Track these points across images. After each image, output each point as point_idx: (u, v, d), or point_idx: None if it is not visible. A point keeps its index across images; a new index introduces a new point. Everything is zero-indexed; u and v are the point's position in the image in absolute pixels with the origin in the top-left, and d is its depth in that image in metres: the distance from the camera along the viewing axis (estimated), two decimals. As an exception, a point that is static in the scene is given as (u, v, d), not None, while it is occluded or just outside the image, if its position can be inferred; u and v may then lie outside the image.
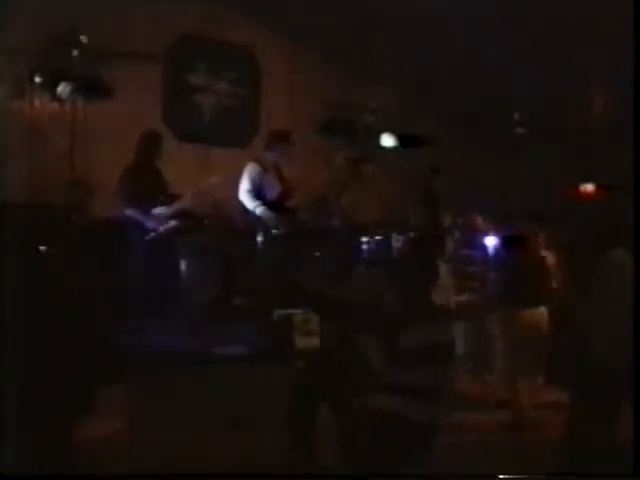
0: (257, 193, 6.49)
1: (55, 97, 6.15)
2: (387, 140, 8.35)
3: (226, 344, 5.48)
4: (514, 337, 5.55)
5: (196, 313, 6.03)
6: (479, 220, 6.84)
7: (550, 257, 5.92)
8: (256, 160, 6.63)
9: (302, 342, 5.48)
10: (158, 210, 6.15)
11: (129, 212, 6.12)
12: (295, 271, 6.78)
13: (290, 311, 5.57)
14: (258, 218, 6.47)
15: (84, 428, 4.50)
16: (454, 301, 6.31)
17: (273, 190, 6.58)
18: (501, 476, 4.07)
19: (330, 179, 7.52)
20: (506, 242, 5.98)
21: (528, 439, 5.31)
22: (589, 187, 9.35)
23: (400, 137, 8.31)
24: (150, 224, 6.12)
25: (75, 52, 5.99)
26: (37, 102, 6.25)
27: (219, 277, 6.37)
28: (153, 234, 6.09)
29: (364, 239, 7.30)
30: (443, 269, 6.08)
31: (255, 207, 6.46)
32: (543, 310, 5.61)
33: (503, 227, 6.29)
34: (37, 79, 6.13)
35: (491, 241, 6.54)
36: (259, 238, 6.40)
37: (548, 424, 5.38)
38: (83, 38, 5.99)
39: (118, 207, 6.29)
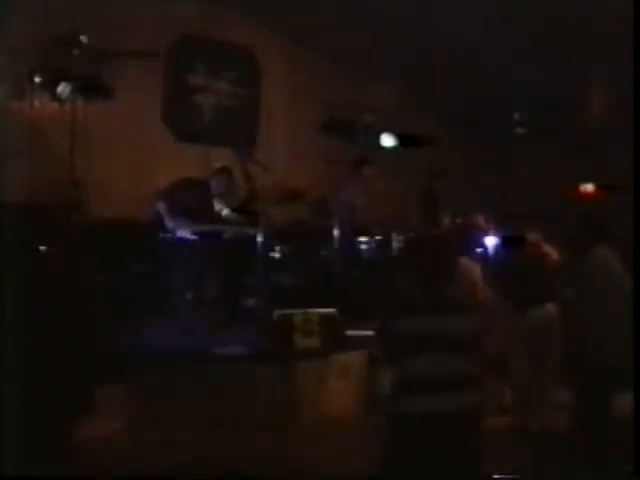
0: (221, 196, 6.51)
1: (55, 97, 6.14)
2: (387, 140, 8.34)
3: (226, 344, 5.49)
4: (516, 337, 5.54)
5: (196, 313, 6.03)
6: (479, 220, 6.83)
7: (550, 257, 5.92)
8: (222, 165, 6.68)
9: (302, 342, 5.49)
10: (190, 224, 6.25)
11: (161, 211, 6.23)
12: (296, 271, 6.80)
13: (290, 311, 5.57)
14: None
15: (84, 428, 4.50)
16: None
17: (239, 192, 6.60)
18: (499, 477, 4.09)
19: (330, 179, 7.51)
20: (506, 242, 5.97)
21: (528, 439, 5.31)
22: (589, 187, 9.36)
23: (400, 137, 8.30)
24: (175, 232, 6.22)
25: (75, 52, 5.98)
26: (37, 102, 6.24)
27: (219, 277, 6.37)
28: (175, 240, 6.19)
29: (364, 239, 7.32)
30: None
31: (220, 210, 6.47)
32: (545, 310, 5.60)
33: (503, 227, 6.29)
34: (37, 79, 6.12)
35: (491, 241, 6.53)
36: (259, 238, 6.40)
37: (549, 424, 5.40)
38: (83, 38, 5.98)
39: (122, 207, 6.37)
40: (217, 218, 6.47)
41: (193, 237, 6.26)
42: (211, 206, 6.50)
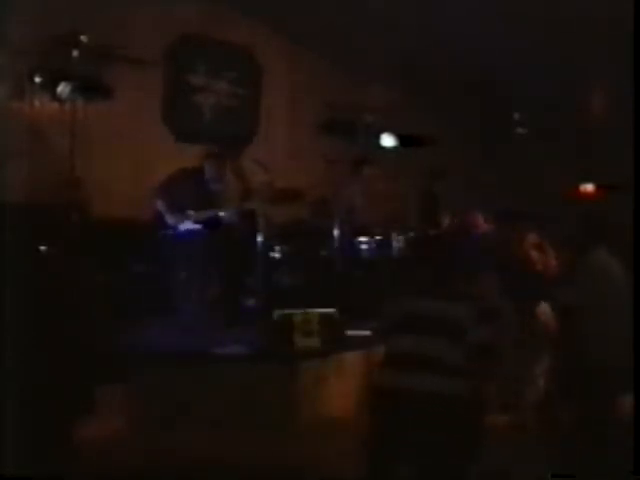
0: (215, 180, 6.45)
1: (55, 97, 6.15)
2: (387, 140, 8.35)
3: (226, 344, 5.49)
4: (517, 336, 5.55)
5: (196, 313, 6.03)
6: (479, 220, 6.84)
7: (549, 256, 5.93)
8: (209, 150, 6.61)
9: (302, 342, 5.49)
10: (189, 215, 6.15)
11: (160, 207, 6.13)
12: (296, 271, 6.81)
13: (290, 311, 5.57)
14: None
15: (84, 428, 4.50)
16: None
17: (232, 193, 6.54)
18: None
19: (330, 179, 7.52)
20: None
21: (528, 439, 5.31)
22: (589, 187, 9.38)
23: (400, 137, 8.31)
24: (177, 227, 6.13)
25: (75, 52, 5.98)
26: (37, 102, 6.24)
27: (219, 277, 6.37)
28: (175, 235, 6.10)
29: (364, 239, 7.32)
30: None
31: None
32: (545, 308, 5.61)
33: (503, 227, 6.30)
34: (37, 79, 6.12)
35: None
36: (260, 238, 6.40)
37: (548, 424, 5.40)
38: (83, 38, 5.98)
39: (125, 207, 6.35)
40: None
41: (192, 236, 6.22)
42: (207, 192, 6.40)
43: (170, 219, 6.11)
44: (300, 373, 5.36)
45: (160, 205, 6.15)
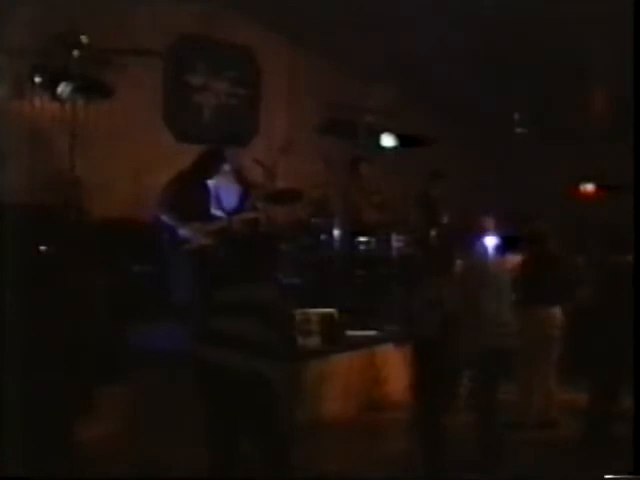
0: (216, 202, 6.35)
1: (55, 97, 6.14)
2: (387, 140, 8.34)
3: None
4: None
5: (195, 313, 6.03)
6: (478, 220, 6.82)
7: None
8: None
9: (302, 342, 5.49)
10: (195, 225, 6.01)
11: (164, 218, 5.95)
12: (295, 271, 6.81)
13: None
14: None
15: (84, 428, 4.50)
16: None
17: (232, 195, 6.50)
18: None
19: (330, 179, 7.51)
20: (506, 242, 5.97)
21: (529, 439, 5.32)
22: (589, 187, 9.37)
23: (400, 137, 8.30)
24: (183, 235, 5.98)
25: (75, 52, 5.98)
26: (37, 102, 6.24)
27: (219, 277, 6.36)
28: (187, 245, 5.97)
29: (364, 239, 7.32)
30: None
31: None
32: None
33: (503, 227, 6.29)
34: (37, 79, 6.12)
35: (491, 241, 6.52)
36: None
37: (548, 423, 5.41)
38: (83, 38, 5.98)
39: (132, 209, 6.34)
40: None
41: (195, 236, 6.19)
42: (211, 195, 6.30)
43: (176, 227, 5.93)
44: (299, 373, 5.37)
45: (164, 212, 5.96)
